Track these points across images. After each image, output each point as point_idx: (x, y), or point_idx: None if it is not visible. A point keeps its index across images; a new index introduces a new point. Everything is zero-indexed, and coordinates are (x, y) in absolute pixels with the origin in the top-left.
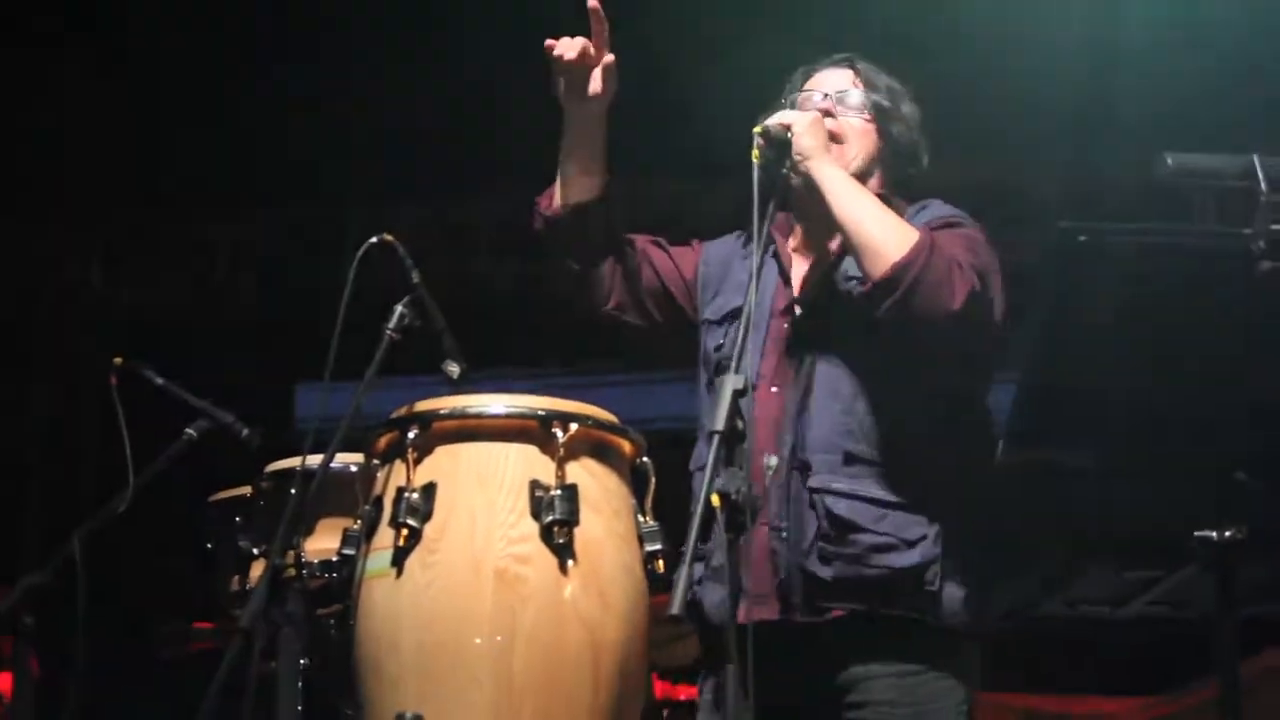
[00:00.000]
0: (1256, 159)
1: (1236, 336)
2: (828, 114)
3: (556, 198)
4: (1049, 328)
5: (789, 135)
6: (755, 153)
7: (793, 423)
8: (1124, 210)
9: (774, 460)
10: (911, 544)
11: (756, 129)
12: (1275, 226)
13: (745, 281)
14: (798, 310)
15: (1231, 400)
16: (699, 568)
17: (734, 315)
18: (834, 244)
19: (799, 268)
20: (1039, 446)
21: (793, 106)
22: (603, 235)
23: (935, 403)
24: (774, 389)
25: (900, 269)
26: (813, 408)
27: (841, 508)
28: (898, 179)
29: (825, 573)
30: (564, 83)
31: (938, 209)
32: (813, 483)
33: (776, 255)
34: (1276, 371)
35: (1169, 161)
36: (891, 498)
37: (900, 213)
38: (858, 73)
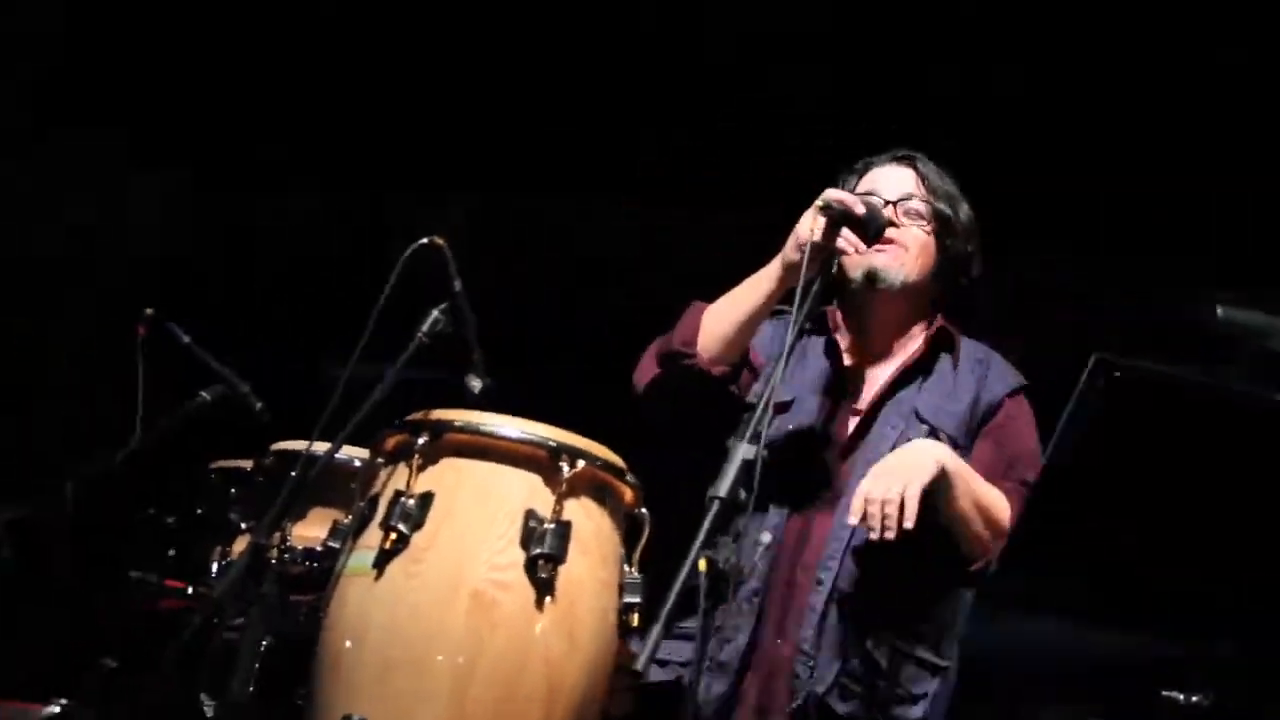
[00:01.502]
0: None
1: (1251, 502)
2: (891, 223)
3: (713, 352)
4: (1064, 456)
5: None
6: (813, 226)
7: (842, 549)
8: None
9: (767, 537)
10: (916, 699)
11: (820, 203)
12: None
13: (805, 377)
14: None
15: (1229, 566)
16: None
17: (783, 407)
18: (893, 358)
19: (868, 382)
20: (1028, 575)
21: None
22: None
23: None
24: (832, 507)
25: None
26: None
27: (876, 650)
28: (949, 288)
29: (841, 709)
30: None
31: (999, 371)
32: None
33: (833, 348)
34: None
35: (1219, 313)
36: (909, 650)
37: (953, 342)
38: (920, 176)
